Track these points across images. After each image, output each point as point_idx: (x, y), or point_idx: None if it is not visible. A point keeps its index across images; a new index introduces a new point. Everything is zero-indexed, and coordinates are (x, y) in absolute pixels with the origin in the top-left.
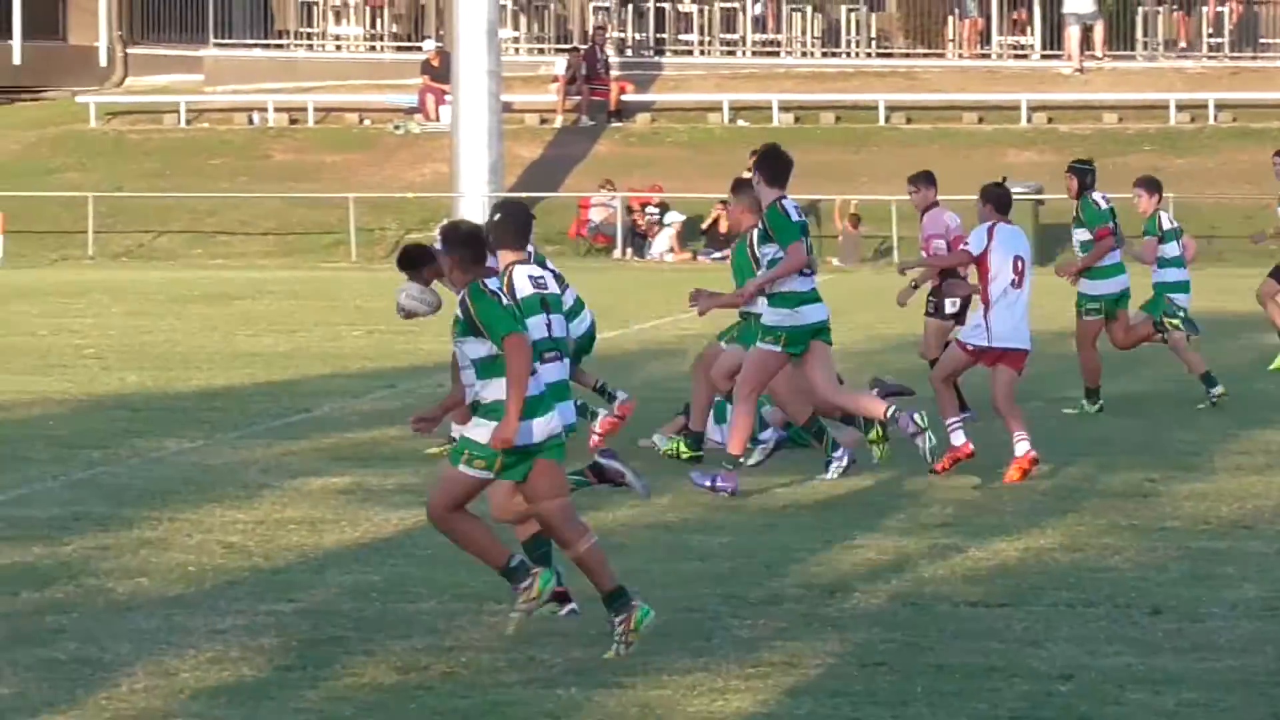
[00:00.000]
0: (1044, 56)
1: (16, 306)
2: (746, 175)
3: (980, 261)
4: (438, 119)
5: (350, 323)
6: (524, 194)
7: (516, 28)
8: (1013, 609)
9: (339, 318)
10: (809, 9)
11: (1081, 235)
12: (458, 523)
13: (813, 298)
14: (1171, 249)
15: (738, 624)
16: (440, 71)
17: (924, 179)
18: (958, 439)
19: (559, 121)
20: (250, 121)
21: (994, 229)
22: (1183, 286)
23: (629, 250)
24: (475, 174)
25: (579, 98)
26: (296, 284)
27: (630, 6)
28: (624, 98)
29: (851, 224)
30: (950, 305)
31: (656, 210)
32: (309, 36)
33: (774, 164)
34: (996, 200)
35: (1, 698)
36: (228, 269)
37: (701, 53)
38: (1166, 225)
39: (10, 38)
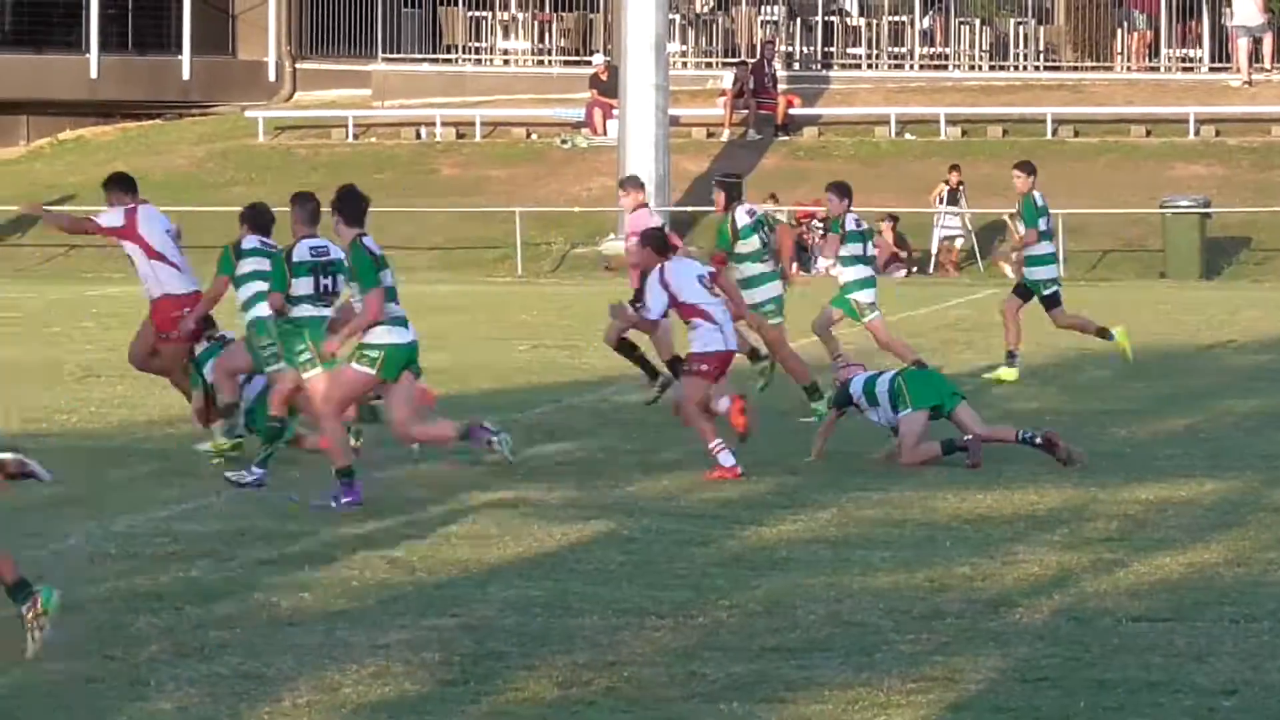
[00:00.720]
0: (1212, 69)
1: None
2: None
3: (672, 298)
4: (605, 133)
5: (515, 337)
6: (690, 208)
7: (684, 42)
8: (1176, 624)
9: (504, 332)
10: (977, 22)
11: (743, 248)
12: None
13: (401, 321)
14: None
15: (899, 638)
16: (608, 86)
17: (632, 183)
18: (726, 460)
19: (726, 135)
20: (418, 136)
21: (664, 279)
22: (869, 283)
23: (795, 264)
24: None
25: (746, 111)
26: (462, 298)
27: (798, 20)
28: (791, 111)
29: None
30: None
31: (821, 224)
32: (477, 51)
33: (352, 204)
34: (655, 242)
35: (165, 712)
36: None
37: (869, 66)
38: (851, 226)
39: (180, 53)
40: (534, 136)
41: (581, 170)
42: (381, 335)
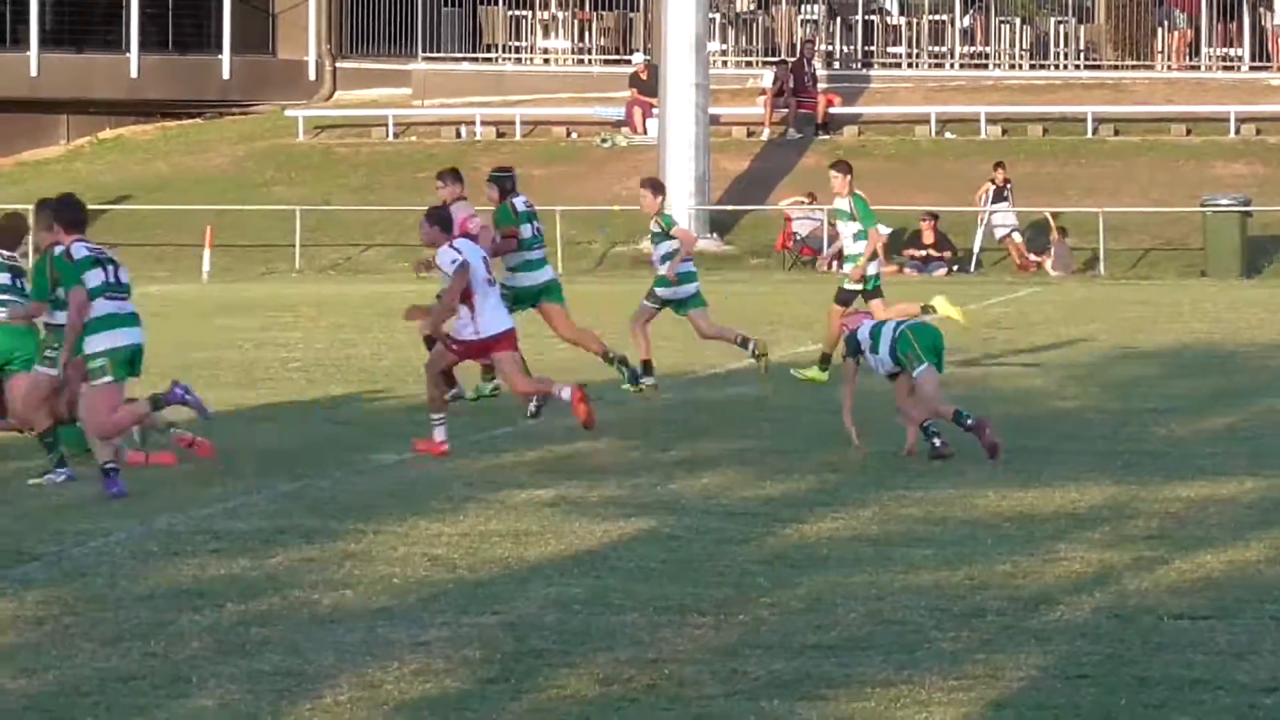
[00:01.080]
0: (1253, 68)
1: (223, 320)
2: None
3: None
4: (645, 132)
5: (556, 335)
6: (731, 206)
7: (724, 41)
8: (1217, 621)
9: (545, 330)
10: (1018, 21)
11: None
12: None
13: (129, 321)
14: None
15: (941, 636)
16: (648, 85)
17: (450, 175)
18: (439, 434)
19: (766, 134)
20: (458, 135)
21: (455, 246)
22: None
23: (834, 263)
24: (681, 187)
25: (786, 110)
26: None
27: (838, 19)
28: (831, 110)
29: (1059, 235)
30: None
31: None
32: (517, 50)
33: (70, 212)
34: (441, 221)
35: (206, 709)
36: (433, 282)
37: (909, 65)
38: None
39: (220, 52)
40: (574, 135)
41: (622, 169)
42: (103, 342)
